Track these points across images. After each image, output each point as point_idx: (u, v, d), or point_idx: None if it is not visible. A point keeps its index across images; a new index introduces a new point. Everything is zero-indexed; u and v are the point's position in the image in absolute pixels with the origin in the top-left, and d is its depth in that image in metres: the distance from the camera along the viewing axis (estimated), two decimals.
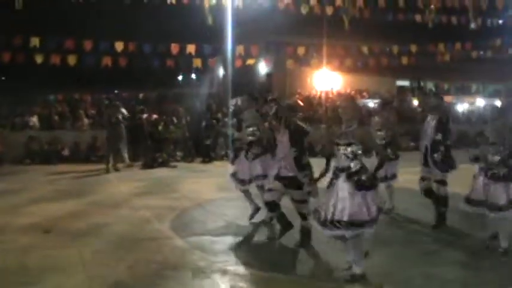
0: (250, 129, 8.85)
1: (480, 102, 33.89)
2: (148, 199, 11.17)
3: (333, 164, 6.54)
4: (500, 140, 7.59)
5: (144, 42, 18.93)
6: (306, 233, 7.63)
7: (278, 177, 7.52)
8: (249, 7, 19.05)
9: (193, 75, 53.02)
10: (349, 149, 6.33)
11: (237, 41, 20.08)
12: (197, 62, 19.65)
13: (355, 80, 32.94)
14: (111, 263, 6.81)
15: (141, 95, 28.25)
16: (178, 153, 18.10)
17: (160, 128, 17.82)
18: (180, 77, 54.91)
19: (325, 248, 7.24)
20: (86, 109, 20.38)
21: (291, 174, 7.46)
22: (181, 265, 6.78)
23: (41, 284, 6.11)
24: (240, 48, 19.99)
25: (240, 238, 8.12)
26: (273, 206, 7.65)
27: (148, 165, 16.39)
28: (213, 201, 11.00)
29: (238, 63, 20.30)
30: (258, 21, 21.09)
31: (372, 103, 27.28)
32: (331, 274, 6.53)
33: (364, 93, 32.37)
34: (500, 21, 22.97)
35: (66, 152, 17.86)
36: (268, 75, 32.43)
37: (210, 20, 18.02)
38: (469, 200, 7.62)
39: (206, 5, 17.83)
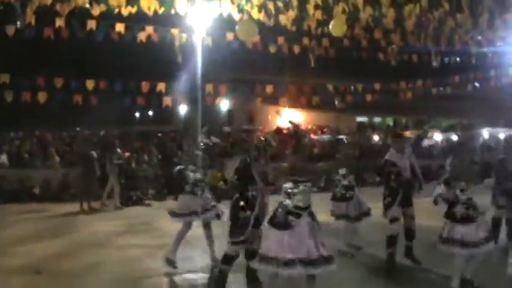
0: None
1: (437, 136, 34.79)
2: (132, 238, 11.25)
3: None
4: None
5: (116, 80, 18.98)
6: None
7: None
8: (217, 46, 19.32)
9: (150, 113, 53.04)
10: (308, 185, 6.56)
11: (205, 79, 20.27)
12: (167, 100, 19.76)
13: (315, 116, 33.57)
14: None
15: (102, 132, 28.19)
16: (151, 191, 18.08)
17: (133, 165, 17.81)
18: (137, 115, 54.83)
19: None
20: (57, 147, 20.24)
21: None
22: None
23: None
24: (209, 87, 20.20)
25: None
26: None
27: (123, 203, 16.36)
28: (197, 237, 11.09)
29: (209, 100, 20.49)
30: (225, 60, 21.35)
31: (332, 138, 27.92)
32: None
33: (325, 130, 32.97)
34: (458, 59, 23.74)
35: (36, 190, 17.70)
36: (229, 111, 32.76)
37: (179, 58, 18.24)
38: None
39: (177, 43, 18.09)
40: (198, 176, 9.28)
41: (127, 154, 18.47)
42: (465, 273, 7.76)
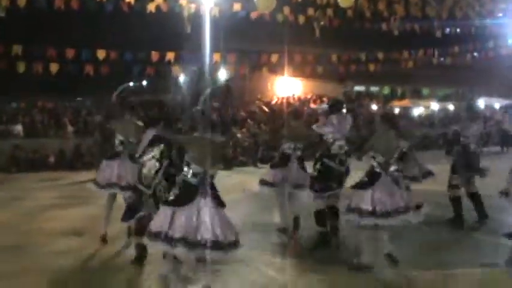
0: None
1: (434, 105, 35.27)
2: None
3: None
4: None
5: (125, 50, 19.25)
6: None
7: None
8: (224, 16, 19.55)
9: (144, 82, 52.88)
10: None
11: (213, 48, 20.54)
12: (176, 70, 20.08)
13: (315, 85, 33.89)
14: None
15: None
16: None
17: None
18: (131, 84, 54.45)
19: None
20: (69, 117, 20.54)
21: None
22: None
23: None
24: (217, 56, 20.49)
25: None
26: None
27: None
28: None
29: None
30: (232, 29, 21.58)
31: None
32: None
33: (324, 99, 33.32)
34: (458, 30, 24.15)
35: (51, 159, 18.01)
36: (227, 81, 32.86)
37: (189, 28, 18.50)
38: None
39: (185, 13, 18.32)
40: None
41: None
42: None
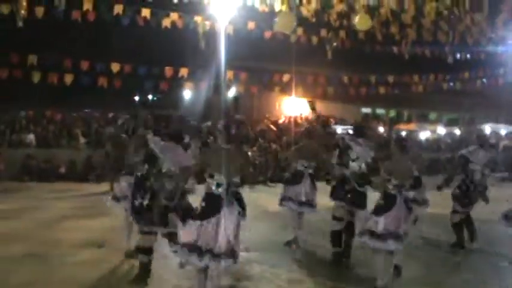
0: None
1: (440, 130, 35.37)
2: None
3: None
4: None
5: (139, 65, 19.40)
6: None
7: None
8: (238, 35, 19.72)
9: (149, 97, 53.03)
10: None
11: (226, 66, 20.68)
12: (188, 85, 20.20)
13: (322, 106, 34.09)
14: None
15: (110, 115, 28.33)
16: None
17: None
18: (136, 98, 54.66)
19: None
20: (82, 128, 20.62)
21: None
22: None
23: None
24: (230, 74, 20.62)
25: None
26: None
27: None
28: None
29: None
30: (245, 48, 21.73)
31: (339, 129, 28.42)
32: None
33: (331, 120, 33.48)
34: (468, 56, 24.31)
35: (62, 170, 18.06)
36: (236, 98, 32.96)
37: (203, 45, 18.66)
38: None
39: (200, 30, 18.50)
40: None
41: None
42: None
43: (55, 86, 18.94)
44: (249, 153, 19.77)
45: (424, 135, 32.69)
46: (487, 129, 34.89)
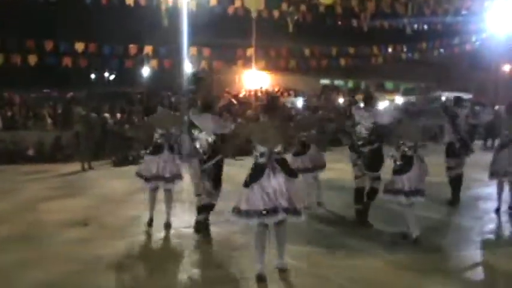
0: None
1: (398, 99, 35.96)
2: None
3: None
4: None
5: (103, 43, 19.30)
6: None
7: None
8: (201, 11, 19.75)
9: (106, 74, 52.38)
10: None
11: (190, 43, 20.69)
12: (154, 63, 20.19)
13: (282, 79, 34.36)
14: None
15: (69, 94, 28.05)
16: (142, 152, 18.31)
17: (126, 126, 18.19)
18: (92, 76, 53.93)
19: None
20: (49, 109, 20.45)
21: None
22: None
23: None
24: (193, 50, 20.67)
25: None
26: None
27: (120, 163, 16.72)
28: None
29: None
30: (207, 24, 21.77)
31: (300, 101, 28.81)
32: None
33: (291, 92, 33.82)
34: (425, 26, 24.85)
35: (31, 152, 17.94)
36: (195, 75, 32.89)
37: (166, 22, 18.68)
38: None
39: (163, 7, 18.49)
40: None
41: (119, 115, 18.80)
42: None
43: (17, 67, 18.75)
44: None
45: (383, 104, 33.21)
46: (443, 97, 35.76)
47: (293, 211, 6.30)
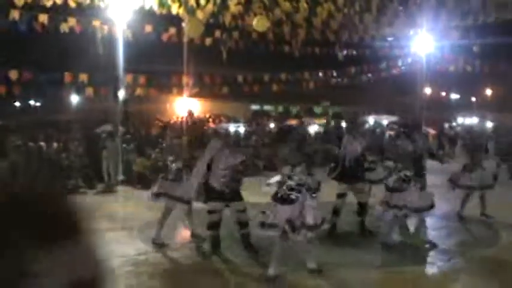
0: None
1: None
2: (93, 223, 11.58)
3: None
4: None
5: (38, 71, 19.07)
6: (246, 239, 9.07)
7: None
8: (136, 38, 19.83)
9: (31, 102, 51.16)
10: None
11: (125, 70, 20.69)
12: (89, 91, 20.01)
13: (213, 105, 34.77)
14: None
15: None
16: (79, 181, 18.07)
17: (64, 155, 17.89)
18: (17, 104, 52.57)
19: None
20: None
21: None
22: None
23: None
24: (129, 77, 20.71)
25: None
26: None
27: None
28: None
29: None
30: (142, 51, 21.83)
31: (231, 127, 29.10)
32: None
33: (222, 118, 34.18)
34: (355, 52, 25.75)
35: None
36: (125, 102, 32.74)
37: (101, 49, 18.69)
38: None
39: (99, 34, 18.51)
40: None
41: (55, 144, 18.44)
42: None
43: None
44: (153, 156, 20.10)
45: (313, 128, 33.98)
46: (371, 120, 36.88)
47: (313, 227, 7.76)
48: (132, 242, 9.92)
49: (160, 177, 10.07)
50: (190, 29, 14.54)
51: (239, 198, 9.07)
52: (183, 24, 14.85)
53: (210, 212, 9.05)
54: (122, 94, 29.86)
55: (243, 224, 9.05)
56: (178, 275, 7.93)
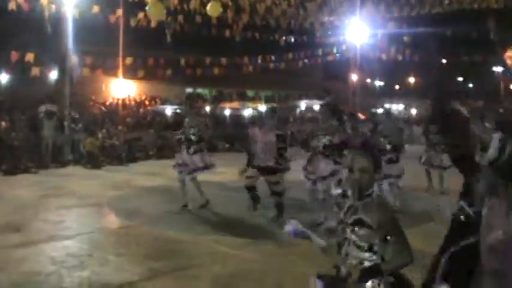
0: (192, 130, 10.59)
1: (262, 107, 37.58)
2: (61, 200, 11.58)
3: None
4: None
5: None
6: (280, 207, 9.59)
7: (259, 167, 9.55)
8: (84, 18, 19.85)
9: None
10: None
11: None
12: (35, 71, 19.78)
13: (148, 87, 34.81)
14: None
15: None
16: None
17: (14, 135, 17.70)
18: None
19: None
20: None
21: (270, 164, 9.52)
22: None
23: None
24: (74, 58, 20.69)
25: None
26: (251, 189, 9.75)
27: (11, 172, 16.03)
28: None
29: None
30: (89, 32, 21.80)
31: (168, 109, 29.42)
32: None
33: (157, 100, 34.40)
34: (293, 39, 26.60)
35: None
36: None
37: (49, 29, 18.63)
38: None
39: (46, 13, 18.40)
40: None
41: (3, 123, 18.21)
42: None
43: None
44: (99, 136, 20.20)
45: (247, 112, 34.63)
46: (302, 105, 37.87)
47: None
48: (106, 217, 10.25)
49: None
50: (153, 12, 14.84)
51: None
52: (147, 8, 15.07)
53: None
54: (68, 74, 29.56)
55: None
56: (164, 244, 8.20)
